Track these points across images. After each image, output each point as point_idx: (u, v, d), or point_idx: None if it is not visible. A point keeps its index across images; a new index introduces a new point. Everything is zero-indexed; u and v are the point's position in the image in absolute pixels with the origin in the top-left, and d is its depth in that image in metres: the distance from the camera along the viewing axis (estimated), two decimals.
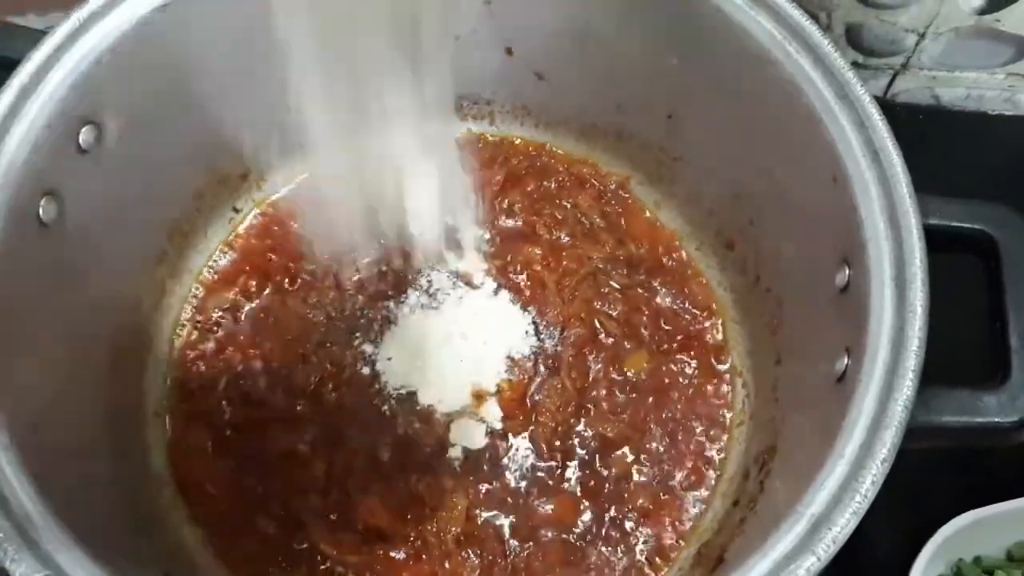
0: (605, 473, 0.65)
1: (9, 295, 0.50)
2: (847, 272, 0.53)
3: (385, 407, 0.67)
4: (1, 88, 0.53)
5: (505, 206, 0.76)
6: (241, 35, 0.64)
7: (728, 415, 0.68)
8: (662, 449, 0.67)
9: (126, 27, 0.56)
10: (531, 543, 0.63)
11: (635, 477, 0.66)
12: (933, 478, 0.69)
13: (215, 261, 0.73)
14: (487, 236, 0.74)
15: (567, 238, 0.74)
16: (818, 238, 0.57)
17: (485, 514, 0.64)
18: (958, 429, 0.48)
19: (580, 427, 0.67)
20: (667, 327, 0.71)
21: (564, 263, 0.73)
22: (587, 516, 0.64)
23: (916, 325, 0.47)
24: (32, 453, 0.46)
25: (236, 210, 0.74)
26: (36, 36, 0.55)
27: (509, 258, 0.73)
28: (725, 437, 0.67)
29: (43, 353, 0.53)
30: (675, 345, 0.70)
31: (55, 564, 0.41)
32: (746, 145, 0.64)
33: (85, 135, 0.56)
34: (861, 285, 0.51)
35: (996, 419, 0.47)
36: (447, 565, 0.62)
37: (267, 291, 0.72)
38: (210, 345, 0.70)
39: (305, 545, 0.62)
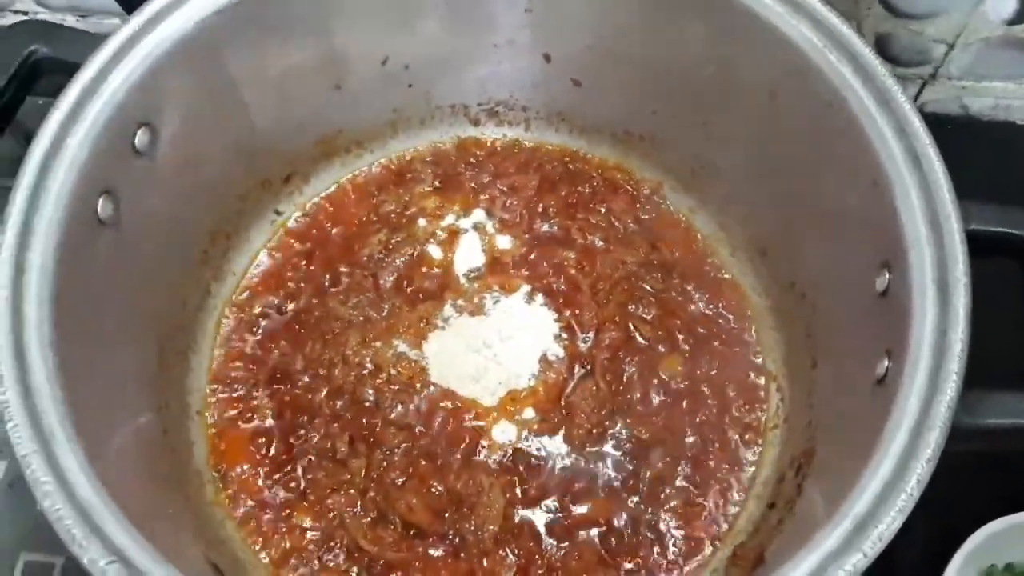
0: (640, 475, 0.66)
1: (73, 292, 0.51)
2: (887, 276, 0.54)
3: (423, 407, 0.68)
4: (63, 91, 0.54)
5: (540, 211, 0.77)
6: (289, 40, 0.65)
7: (762, 419, 0.69)
8: (696, 452, 0.67)
9: (183, 32, 0.58)
10: (567, 542, 0.64)
11: (670, 479, 0.66)
12: (965, 484, 0.69)
13: (258, 263, 0.75)
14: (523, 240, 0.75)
15: (601, 243, 0.75)
16: (857, 243, 0.57)
17: (522, 513, 0.65)
18: (1002, 432, 0.48)
19: (615, 429, 0.68)
20: (701, 331, 0.72)
21: (598, 267, 0.74)
22: (623, 517, 0.65)
23: (959, 328, 0.48)
24: (92, 444, 0.47)
25: (278, 213, 0.76)
26: (95, 41, 0.56)
27: (544, 262, 0.74)
28: (760, 441, 0.68)
29: (104, 348, 0.54)
30: (709, 349, 0.71)
31: (119, 550, 0.42)
32: (783, 151, 0.64)
33: (140, 137, 0.58)
34: (902, 289, 0.51)
35: None
36: (485, 563, 0.63)
37: (308, 292, 0.73)
38: (252, 345, 0.71)
39: (345, 542, 0.63)
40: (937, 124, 0.92)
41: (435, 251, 0.75)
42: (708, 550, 0.64)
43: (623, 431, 0.67)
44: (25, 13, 0.93)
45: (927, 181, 0.52)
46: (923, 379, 0.47)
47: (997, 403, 0.48)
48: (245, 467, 0.66)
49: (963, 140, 0.93)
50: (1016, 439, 0.49)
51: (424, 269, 0.74)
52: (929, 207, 0.52)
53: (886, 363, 0.51)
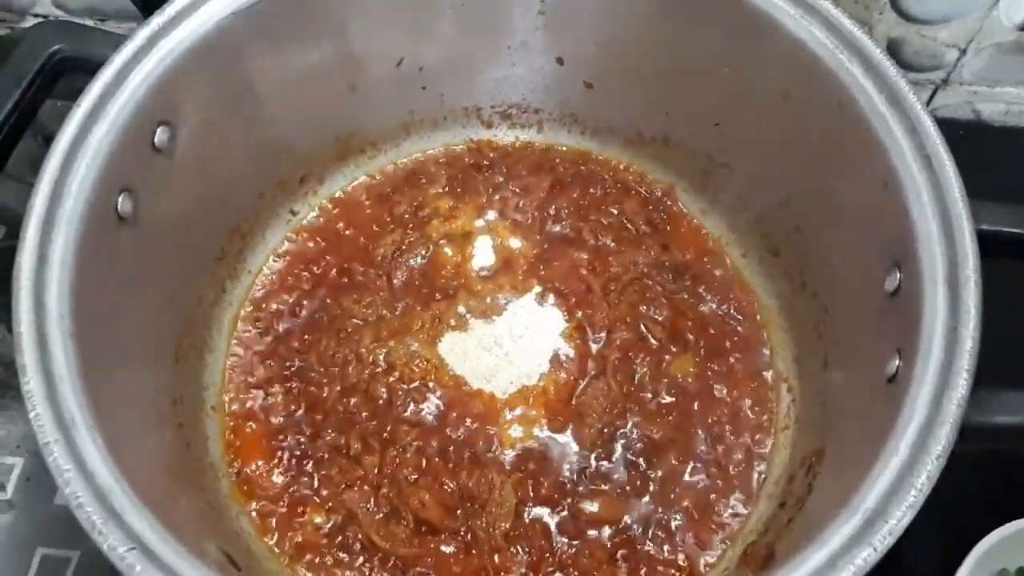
0: (651, 474, 0.66)
1: (94, 285, 0.52)
2: (898, 276, 0.54)
3: (436, 405, 0.69)
4: (85, 89, 0.55)
5: (552, 212, 0.77)
6: (305, 42, 0.66)
7: (773, 419, 0.69)
8: (707, 452, 0.68)
9: (201, 32, 0.59)
10: (578, 541, 0.64)
11: (680, 479, 0.67)
12: (977, 487, 0.69)
13: (273, 261, 0.75)
14: (534, 241, 0.76)
15: (613, 244, 0.76)
16: (868, 243, 0.58)
17: (533, 511, 0.65)
18: (1011, 429, 0.48)
19: (626, 428, 0.68)
20: (712, 332, 0.72)
21: (610, 268, 0.74)
22: (633, 516, 0.65)
23: (970, 325, 0.48)
24: (111, 434, 0.48)
25: (293, 212, 0.77)
26: (116, 40, 0.57)
27: (556, 263, 0.75)
28: (770, 441, 0.68)
29: (123, 341, 0.55)
30: (720, 350, 0.71)
31: (137, 537, 0.43)
32: (795, 152, 0.65)
33: (160, 135, 0.59)
34: (913, 288, 0.52)
35: None
36: (496, 559, 0.63)
37: (322, 291, 0.74)
38: (267, 343, 0.72)
39: (358, 537, 0.64)
40: (949, 129, 0.93)
41: (448, 251, 0.76)
42: (719, 549, 0.64)
43: (634, 431, 0.68)
44: (45, 17, 0.95)
45: (938, 180, 0.52)
46: (934, 376, 0.47)
47: (1006, 401, 0.49)
48: (260, 463, 0.67)
49: (975, 145, 0.93)
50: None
51: (437, 269, 0.75)
52: (940, 206, 0.52)
53: (897, 361, 0.51)
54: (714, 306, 0.73)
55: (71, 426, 0.46)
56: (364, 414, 0.68)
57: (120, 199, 0.56)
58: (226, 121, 0.65)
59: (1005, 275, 0.53)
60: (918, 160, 0.53)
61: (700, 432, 0.68)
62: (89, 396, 0.48)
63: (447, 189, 0.79)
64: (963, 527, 0.66)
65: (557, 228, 0.77)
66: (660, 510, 0.65)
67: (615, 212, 0.77)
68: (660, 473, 0.66)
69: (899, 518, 0.44)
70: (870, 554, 0.43)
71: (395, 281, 0.74)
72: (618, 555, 0.64)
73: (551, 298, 0.74)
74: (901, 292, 0.53)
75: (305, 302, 0.73)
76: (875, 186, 0.55)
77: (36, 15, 0.95)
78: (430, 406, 0.69)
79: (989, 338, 0.49)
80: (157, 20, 0.58)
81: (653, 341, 0.71)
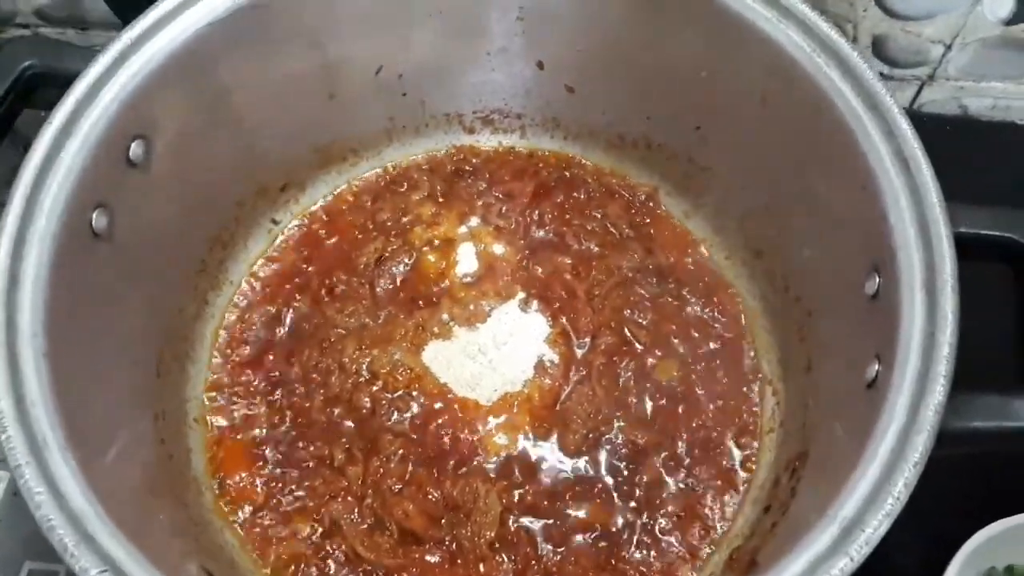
0: (636, 479, 0.66)
1: (68, 303, 0.52)
2: (877, 280, 0.54)
3: (419, 414, 0.68)
4: (57, 104, 0.55)
5: (535, 217, 0.77)
6: (283, 51, 0.66)
7: (758, 422, 0.69)
8: (692, 456, 0.67)
9: (177, 44, 0.58)
10: (563, 548, 0.64)
11: (666, 484, 0.66)
12: (964, 487, 0.69)
13: (255, 272, 0.75)
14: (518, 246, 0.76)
15: (597, 248, 0.75)
16: (848, 246, 0.57)
17: (519, 519, 0.65)
18: (989, 434, 0.48)
19: (611, 434, 0.68)
20: (697, 335, 0.72)
21: (594, 273, 0.74)
22: (619, 522, 0.65)
23: (947, 331, 0.48)
24: (86, 454, 0.48)
25: (275, 222, 0.76)
26: (89, 54, 0.57)
27: (540, 268, 0.75)
28: (755, 444, 0.68)
29: (100, 358, 0.55)
30: (705, 353, 0.71)
31: (111, 559, 0.43)
32: (775, 155, 0.65)
33: (135, 149, 0.58)
34: (891, 292, 0.51)
35: None
36: (481, 568, 0.63)
37: (304, 301, 0.73)
38: (250, 354, 0.71)
39: (342, 548, 0.64)
40: (936, 125, 0.93)
41: (431, 259, 0.75)
42: (704, 554, 0.64)
43: (619, 436, 0.67)
44: (26, 27, 0.94)
45: (915, 184, 0.52)
46: (911, 382, 0.47)
47: (984, 405, 0.48)
48: (243, 475, 0.66)
49: (962, 141, 0.93)
50: (1002, 441, 0.49)
51: (420, 277, 0.74)
52: (917, 210, 0.52)
53: (876, 366, 0.51)
54: (698, 309, 0.73)
55: (43, 448, 0.45)
56: (348, 424, 0.68)
57: (95, 215, 0.55)
58: (203, 133, 0.65)
59: (984, 277, 0.53)
60: (896, 164, 0.53)
61: (685, 436, 0.68)
62: (63, 416, 0.48)
63: (430, 196, 0.78)
64: (942, 533, 0.65)
65: (540, 233, 0.77)
66: (646, 515, 0.65)
67: (599, 216, 0.77)
68: (645, 478, 0.66)
69: (876, 527, 0.44)
70: (847, 564, 0.43)
71: (378, 289, 0.74)
72: (604, 561, 0.64)
73: (535, 304, 0.73)
74: (880, 296, 0.53)
75: (287, 312, 0.73)
76: (854, 189, 0.55)
77: (18, 24, 0.95)
78: (414, 415, 0.68)
79: (968, 340, 0.49)
80: (129, 34, 0.58)
81: (638, 345, 0.71)
